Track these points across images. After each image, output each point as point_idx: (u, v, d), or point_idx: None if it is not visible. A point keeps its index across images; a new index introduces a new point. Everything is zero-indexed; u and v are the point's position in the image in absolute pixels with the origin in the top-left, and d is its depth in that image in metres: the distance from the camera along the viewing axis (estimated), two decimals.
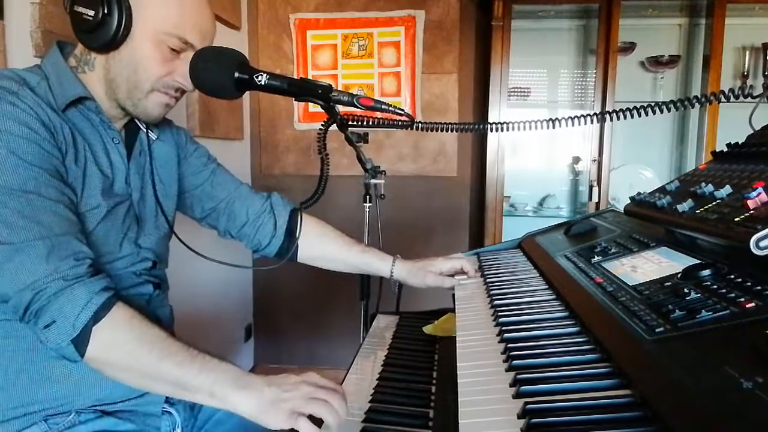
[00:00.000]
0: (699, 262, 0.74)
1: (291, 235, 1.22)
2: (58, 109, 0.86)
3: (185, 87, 0.94)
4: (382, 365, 1.06)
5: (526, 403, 0.57)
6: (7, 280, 0.75)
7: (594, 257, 0.95)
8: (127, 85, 0.91)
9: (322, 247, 1.26)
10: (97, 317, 0.75)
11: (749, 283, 0.61)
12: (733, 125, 2.33)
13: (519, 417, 0.56)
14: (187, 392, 0.77)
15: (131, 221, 0.98)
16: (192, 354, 0.78)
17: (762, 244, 0.61)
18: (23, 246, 0.75)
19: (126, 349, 0.77)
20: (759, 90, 2.55)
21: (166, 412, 1.00)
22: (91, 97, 0.91)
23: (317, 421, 0.76)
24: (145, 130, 1.04)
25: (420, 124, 1.18)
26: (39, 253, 0.75)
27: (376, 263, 1.26)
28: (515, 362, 0.68)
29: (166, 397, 1.00)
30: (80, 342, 0.75)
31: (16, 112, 0.79)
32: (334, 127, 1.07)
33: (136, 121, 1.02)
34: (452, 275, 1.24)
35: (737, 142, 0.93)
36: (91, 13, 0.84)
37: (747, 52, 2.61)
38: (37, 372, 0.87)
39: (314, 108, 2.79)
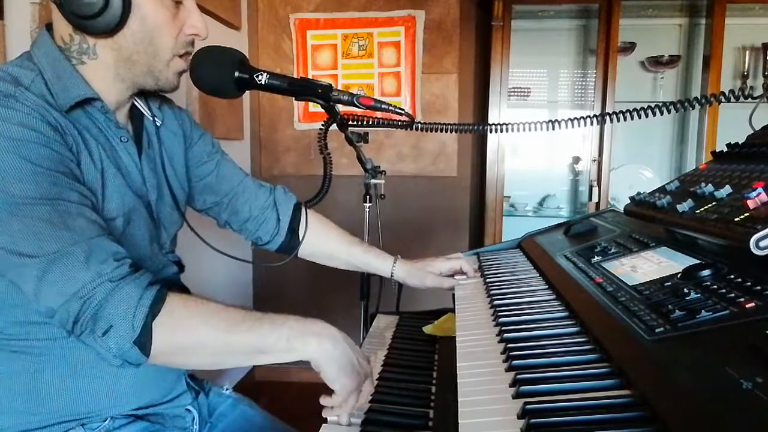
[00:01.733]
0: (699, 262, 0.74)
1: (293, 231, 1.21)
2: (62, 108, 0.80)
3: (200, 34, 0.89)
4: (382, 365, 1.06)
5: (526, 403, 0.57)
6: (50, 294, 0.70)
7: (594, 257, 0.95)
8: (146, 58, 0.85)
9: (324, 245, 1.25)
10: (153, 312, 0.72)
11: (749, 283, 0.61)
12: (733, 125, 2.33)
13: (519, 417, 0.56)
14: (263, 355, 0.77)
15: (153, 224, 0.95)
16: (257, 316, 0.78)
17: (762, 244, 0.61)
18: (59, 256, 0.70)
19: (191, 333, 0.74)
20: (759, 90, 2.55)
21: (186, 410, 1.02)
22: (97, 97, 0.84)
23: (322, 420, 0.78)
24: (150, 116, 0.98)
25: (420, 124, 1.18)
26: (77, 259, 0.70)
27: (377, 263, 1.25)
28: (515, 362, 0.68)
29: (190, 399, 1.03)
30: (143, 341, 0.71)
31: (19, 116, 0.73)
32: (334, 126, 1.07)
33: (139, 105, 0.97)
34: (452, 275, 1.24)
35: (737, 142, 0.93)
36: None
37: (747, 52, 2.61)
38: (74, 384, 0.87)
39: (314, 108, 2.79)
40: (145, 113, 0.98)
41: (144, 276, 0.75)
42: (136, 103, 0.97)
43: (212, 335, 0.75)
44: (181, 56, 0.89)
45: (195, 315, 0.75)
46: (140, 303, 0.71)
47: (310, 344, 0.76)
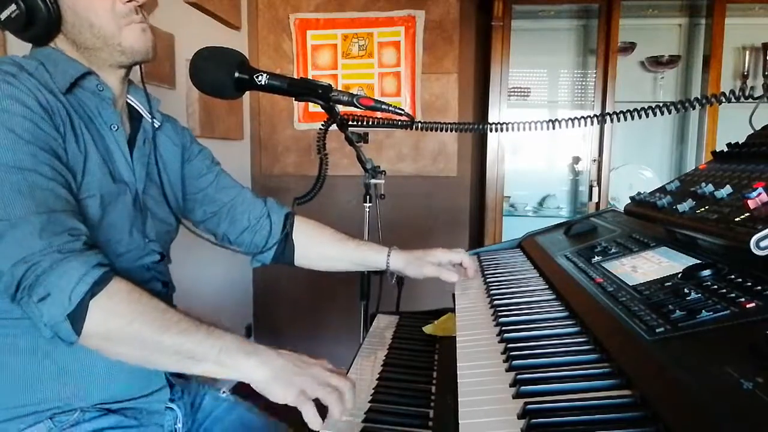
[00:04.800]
0: (699, 262, 0.73)
1: (286, 237, 1.22)
2: (60, 90, 0.86)
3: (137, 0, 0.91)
4: (382, 365, 1.06)
5: (526, 403, 0.57)
6: (1, 256, 0.73)
7: (594, 257, 0.95)
8: (98, 42, 0.89)
9: (317, 246, 1.25)
10: (94, 290, 0.73)
11: (749, 283, 0.61)
12: (733, 125, 2.33)
13: (519, 417, 0.56)
14: (193, 362, 0.75)
15: (137, 211, 0.96)
16: (196, 323, 0.76)
17: (762, 244, 0.61)
18: (18, 221, 0.73)
19: (126, 321, 0.74)
20: (759, 90, 2.55)
21: (168, 408, 1.00)
22: (93, 72, 0.90)
23: (319, 412, 0.74)
24: (149, 117, 1.02)
25: (420, 124, 1.18)
26: (33, 228, 0.73)
27: (372, 255, 1.24)
28: (515, 362, 0.68)
29: (169, 395, 0.99)
30: (77, 317, 0.72)
31: (14, 91, 0.79)
32: (334, 126, 1.07)
33: (135, 105, 1.01)
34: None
35: (737, 142, 0.93)
36: (14, 7, 0.84)
37: (747, 52, 2.61)
38: (43, 373, 0.86)
39: (314, 108, 2.79)
40: (144, 114, 1.02)
41: (95, 255, 0.76)
42: (131, 102, 1.01)
43: (145, 329, 0.74)
44: (132, 21, 0.91)
45: (134, 305, 0.75)
46: (83, 279, 0.72)
47: (239, 360, 0.74)
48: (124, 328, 0.74)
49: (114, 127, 0.94)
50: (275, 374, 0.74)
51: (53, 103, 0.84)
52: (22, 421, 0.86)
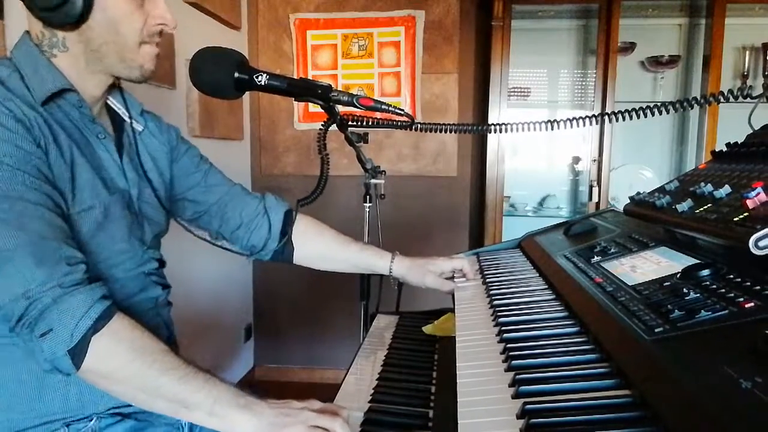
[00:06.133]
0: (698, 262, 0.73)
1: (286, 236, 1.20)
2: (37, 102, 0.82)
3: (168, 26, 0.90)
4: (381, 365, 1.06)
5: (526, 403, 0.57)
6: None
7: (594, 257, 0.95)
8: (115, 48, 0.86)
9: (318, 246, 1.24)
10: (96, 326, 0.72)
11: (748, 283, 0.61)
12: (733, 125, 2.32)
13: (518, 417, 0.56)
14: (185, 410, 0.75)
15: (133, 218, 0.95)
16: (193, 370, 0.76)
17: (761, 243, 0.61)
18: (11, 254, 0.71)
19: (125, 361, 0.74)
20: (759, 90, 2.55)
21: None
22: (72, 89, 0.86)
23: None
24: (128, 119, 1.00)
25: (420, 125, 1.18)
26: (29, 260, 0.72)
27: (375, 260, 1.24)
28: (515, 362, 0.68)
29: None
30: (77, 353, 0.72)
31: None
32: (334, 127, 1.07)
33: (115, 107, 0.99)
34: (452, 276, 1.24)
35: (737, 142, 0.93)
36: None
37: (747, 52, 2.61)
38: (54, 380, 0.85)
39: (314, 108, 2.78)
40: (124, 118, 1.00)
41: (98, 288, 0.76)
42: (112, 105, 0.98)
43: (144, 371, 0.74)
44: (151, 42, 0.90)
45: (135, 345, 0.75)
46: (86, 315, 0.72)
47: (231, 412, 0.74)
48: (123, 368, 0.74)
49: (101, 135, 0.91)
50: (265, 426, 0.73)
51: (30, 115, 0.79)
52: (40, 429, 0.85)
